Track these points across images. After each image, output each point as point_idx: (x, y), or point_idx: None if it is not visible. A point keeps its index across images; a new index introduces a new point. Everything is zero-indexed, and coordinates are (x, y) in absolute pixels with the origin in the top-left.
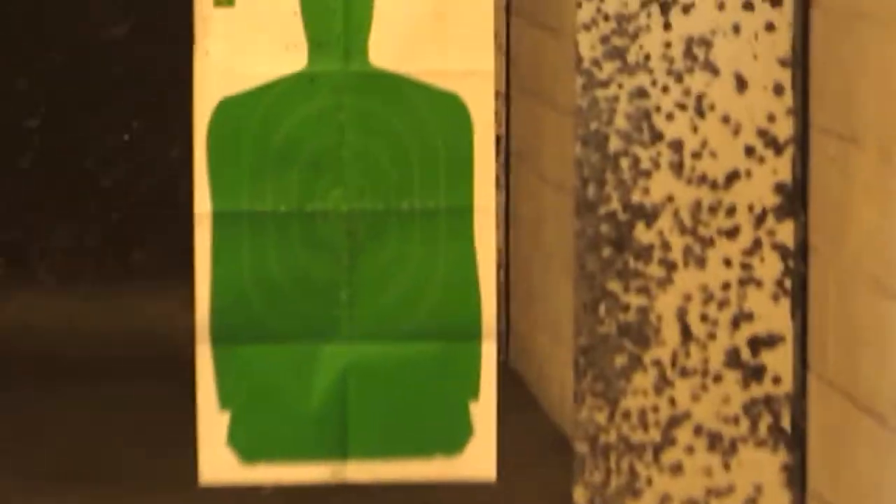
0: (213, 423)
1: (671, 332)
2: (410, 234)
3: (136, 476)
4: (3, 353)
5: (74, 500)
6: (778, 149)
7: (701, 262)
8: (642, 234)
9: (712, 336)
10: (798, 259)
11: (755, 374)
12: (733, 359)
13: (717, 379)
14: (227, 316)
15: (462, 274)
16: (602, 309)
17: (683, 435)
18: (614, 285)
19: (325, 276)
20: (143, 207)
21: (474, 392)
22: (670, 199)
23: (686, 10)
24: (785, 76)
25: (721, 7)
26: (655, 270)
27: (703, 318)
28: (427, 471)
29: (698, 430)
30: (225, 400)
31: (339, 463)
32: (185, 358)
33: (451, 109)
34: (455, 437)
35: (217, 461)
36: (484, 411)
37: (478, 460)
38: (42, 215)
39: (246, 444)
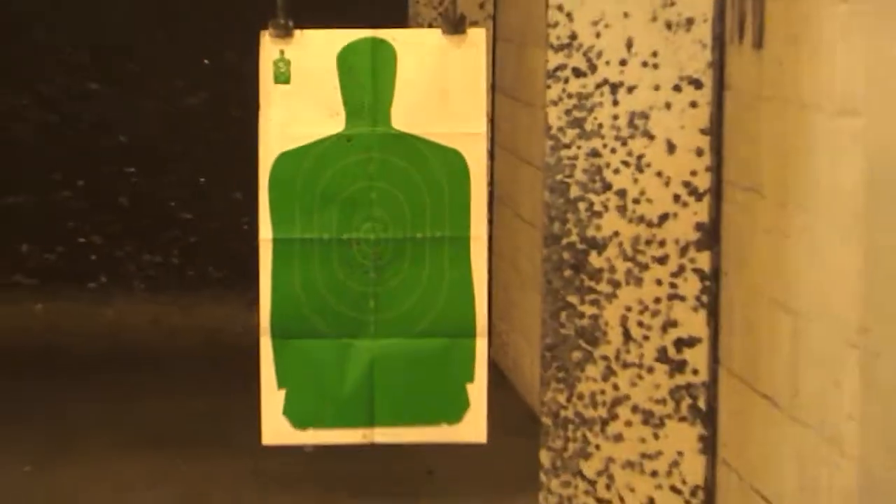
0: (272, 398)
1: (615, 335)
2: (422, 257)
3: (210, 441)
4: (104, 346)
5: (162, 460)
6: (699, 197)
7: (639, 282)
8: (595, 260)
9: (647, 338)
10: (713, 280)
11: (679, 367)
12: (662, 355)
13: (650, 370)
14: (282, 317)
15: (461, 287)
16: (563, 316)
17: (624, 412)
18: (573, 298)
19: (357, 288)
20: (215, 235)
21: (470, 376)
22: (616, 234)
23: (630, 90)
24: (705, 142)
25: (657, 88)
26: (604, 287)
27: (640, 324)
28: (434, 435)
29: (635, 409)
30: (281, 381)
31: (367, 429)
32: (246, 349)
33: (454, 162)
34: (455, 410)
35: (276, 428)
36: (477, 390)
37: (472, 427)
38: (137, 241)
39: (297, 415)
